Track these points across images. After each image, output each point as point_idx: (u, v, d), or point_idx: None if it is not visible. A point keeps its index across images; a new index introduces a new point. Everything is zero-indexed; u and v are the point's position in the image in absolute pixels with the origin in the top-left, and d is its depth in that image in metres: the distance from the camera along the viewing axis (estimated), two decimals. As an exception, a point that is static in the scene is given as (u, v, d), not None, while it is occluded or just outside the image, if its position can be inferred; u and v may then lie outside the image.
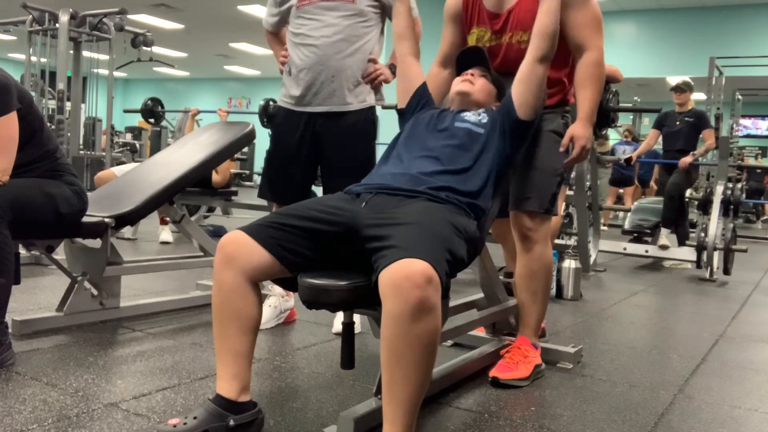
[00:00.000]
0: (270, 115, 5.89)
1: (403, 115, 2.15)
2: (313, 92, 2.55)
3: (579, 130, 2.15)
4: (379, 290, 1.38)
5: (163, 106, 6.18)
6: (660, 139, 6.23)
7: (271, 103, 5.99)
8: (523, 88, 1.98)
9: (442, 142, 1.90)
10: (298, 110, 2.59)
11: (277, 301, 2.81)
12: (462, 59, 2.19)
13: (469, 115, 1.99)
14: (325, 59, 2.51)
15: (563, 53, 2.18)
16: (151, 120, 6.22)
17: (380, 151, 2.55)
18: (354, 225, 1.60)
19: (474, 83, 2.10)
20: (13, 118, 2.16)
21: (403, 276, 1.34)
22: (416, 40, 2.24)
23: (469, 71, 2.14)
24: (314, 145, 2.59)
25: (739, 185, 5.58)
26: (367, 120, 2.60)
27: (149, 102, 6.07)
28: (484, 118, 1.98)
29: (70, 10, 6.11)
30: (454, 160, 1.85)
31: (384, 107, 2.87)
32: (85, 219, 2.47)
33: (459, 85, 2.12)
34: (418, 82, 2.17)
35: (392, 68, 2.59)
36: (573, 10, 2.15)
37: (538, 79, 2.00)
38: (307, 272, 1.56)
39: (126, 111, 6.85)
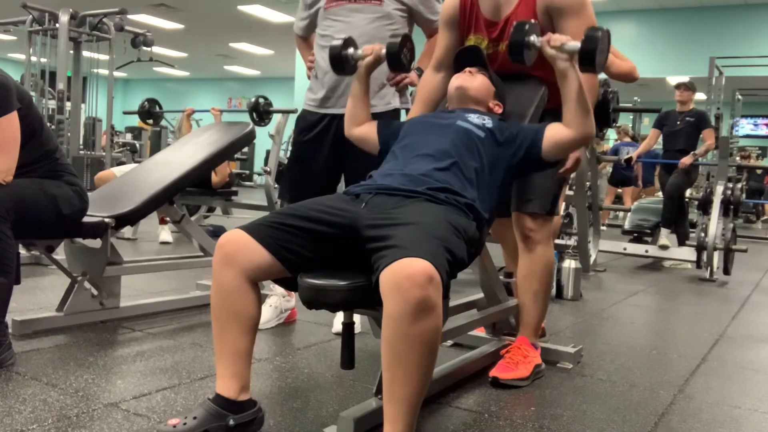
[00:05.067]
0: (260, 112, 6.06)
1: (383, 153, 2.07)
2: (338, 94, 2.52)
3: None
4: (379, 290, 1.38)
5: (161, 107, 6.20)
6: (660, 138, 6.23)
7: (261, 100, 6.12)
8: (559, 151, 1.95)
9: (441, 140, 1.89)
10: (321, 112, 2.57)
11: (278, 300, 2.81)
12: (459, 59, 2.19)
13: (473, 117, 1.97)
14: None
15: None
16: (150, 120, 6.25)
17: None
18: (354, 225, 1.60)
19: (473, 79, 2.09)
20: (14, 118, 2.15)
21: (404, 275, 1.33)
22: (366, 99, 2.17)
23: (467, 69, 2.13)
24: (337, 148, 2.53)
25: (739, 185, 5.58)
26: None
27: (146, 103, 6.11)
28: (489, 123, 1.96)
29: (70, 10, 6.13)
30: (453, 159, 1.84)
31: (409, 111, 2.84)
32: (85, 219, 2.47)
33: (458, 80, 2.10)
34: (374, 130, 2.12)
35: (419, 71, 2.56)
36: (567, 20, 2.11)
37: (576, 148, 2.05)
38: (307, 272, 1.56)
39: (125, 113, 6.89)
